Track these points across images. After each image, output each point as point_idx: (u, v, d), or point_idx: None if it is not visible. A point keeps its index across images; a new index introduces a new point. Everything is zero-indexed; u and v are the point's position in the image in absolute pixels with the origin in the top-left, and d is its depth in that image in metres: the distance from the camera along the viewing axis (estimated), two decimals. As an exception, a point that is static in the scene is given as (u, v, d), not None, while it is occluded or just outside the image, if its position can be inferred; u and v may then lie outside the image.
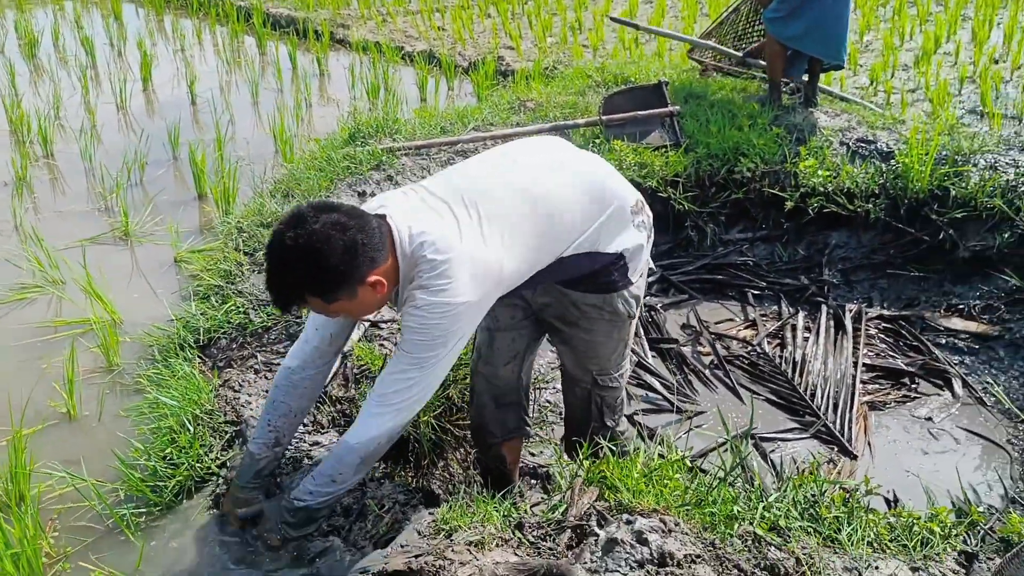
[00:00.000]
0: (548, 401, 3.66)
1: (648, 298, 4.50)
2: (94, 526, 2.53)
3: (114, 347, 3.44)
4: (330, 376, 3.01)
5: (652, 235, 2.52)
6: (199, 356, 3.36)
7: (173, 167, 5.56)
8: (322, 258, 1.94)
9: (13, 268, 4.11)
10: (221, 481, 2.59)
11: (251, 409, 2.89)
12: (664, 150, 4.95)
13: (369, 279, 2.02)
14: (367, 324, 3.45)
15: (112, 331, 3.48)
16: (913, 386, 3.94)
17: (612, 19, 7.02)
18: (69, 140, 5.89)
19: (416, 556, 2.10)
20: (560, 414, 3.71)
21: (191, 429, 2.77)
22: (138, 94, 7.13)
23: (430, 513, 2.37)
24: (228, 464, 2.65)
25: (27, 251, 4.22)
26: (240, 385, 3.09)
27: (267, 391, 3.04)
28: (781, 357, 4.11)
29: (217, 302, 3.61)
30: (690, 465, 2.50)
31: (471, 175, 2.27)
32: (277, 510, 2.36)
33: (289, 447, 2.61)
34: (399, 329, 3.42)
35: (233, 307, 3.52)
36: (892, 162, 4.68)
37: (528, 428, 2.83)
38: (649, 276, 2.66)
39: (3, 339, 3.59)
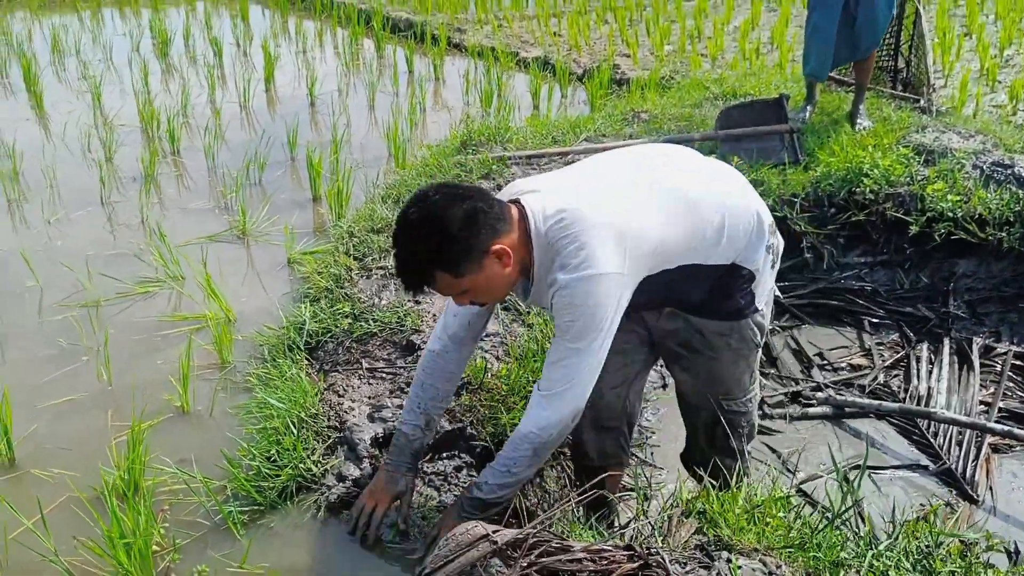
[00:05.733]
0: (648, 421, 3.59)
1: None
2: (202, 521, 2.61)
3: (227, 344, 3.54)
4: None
5: (778, 263, 2.43)
6: (307, 358, 3.43)
7: (290, 168, 5.72)
8: (443, 226, 1.97)
9: (138, 262, 4.31)
10: (326, 489, 2.62)
11: (353, 416, 2.93)
12: (782, 167, 4.79)
13: (494, 247, 2.01)
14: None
15: (227, 329, 3.58)
16: (1044, 430, 3.69)
17: None
18: (195, 138, 6.13)
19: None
20: (652, 432, 3.65)
21: (295, 432, 2.83)
22: (260, 94, 7.38)
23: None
24: (330, 471, 2.68)
25: (152, 246, 4.41)
26: (344, 390, 3.13)
27: (369, 397, 3.08)
28: (904, 390, 3.91)
29: (326, 305, 3.68)
30: (795, 500, 2.39)
31: (617, 166, 2.25)
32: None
33: (438, 430, 2.70)
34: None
35: (341, 311, 3.58)
36: (1031, 188, 4.39)
37: (627, 459, 2.76)
38: None
39: (125, 332, 3.75)
